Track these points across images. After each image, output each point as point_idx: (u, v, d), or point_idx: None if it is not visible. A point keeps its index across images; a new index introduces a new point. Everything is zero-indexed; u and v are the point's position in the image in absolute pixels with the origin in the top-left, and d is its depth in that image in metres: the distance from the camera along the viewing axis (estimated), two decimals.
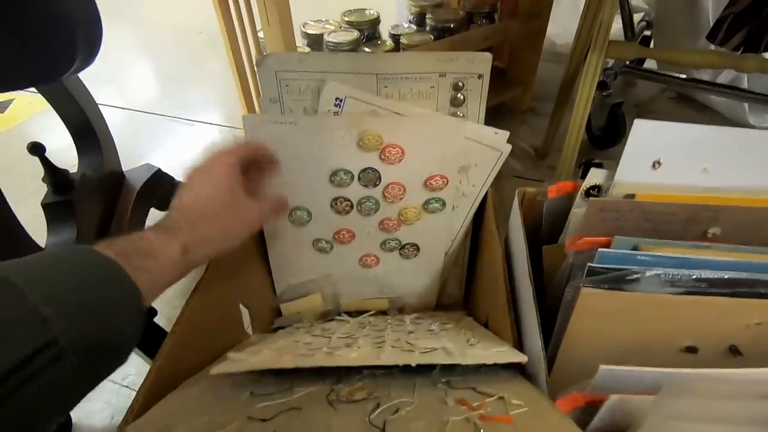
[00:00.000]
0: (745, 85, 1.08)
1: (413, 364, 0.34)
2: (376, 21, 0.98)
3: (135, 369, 0.69)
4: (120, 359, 0.27)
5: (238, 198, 0.39)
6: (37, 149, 0.54)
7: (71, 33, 0.37)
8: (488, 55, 0.50)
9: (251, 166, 0.43)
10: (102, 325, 0.24)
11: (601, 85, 1.04)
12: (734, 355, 0.34)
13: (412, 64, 0.51)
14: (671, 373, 0.25)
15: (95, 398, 0.66)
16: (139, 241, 0.31)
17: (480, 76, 0.51)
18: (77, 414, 0.64)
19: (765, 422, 0.25)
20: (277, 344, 0.43)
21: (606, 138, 1.09)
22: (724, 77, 1.11)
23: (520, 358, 0.34)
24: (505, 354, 0.35)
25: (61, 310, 0.22)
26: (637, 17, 1.28)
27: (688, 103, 1.28)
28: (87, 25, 0.38)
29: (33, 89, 0.70)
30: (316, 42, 0.95)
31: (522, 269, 0.42)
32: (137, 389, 0.34)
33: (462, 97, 0.52)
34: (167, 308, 0.73)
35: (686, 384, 0.25)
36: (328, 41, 0.91)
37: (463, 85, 0.52)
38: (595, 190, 0.45)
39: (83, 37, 0.38)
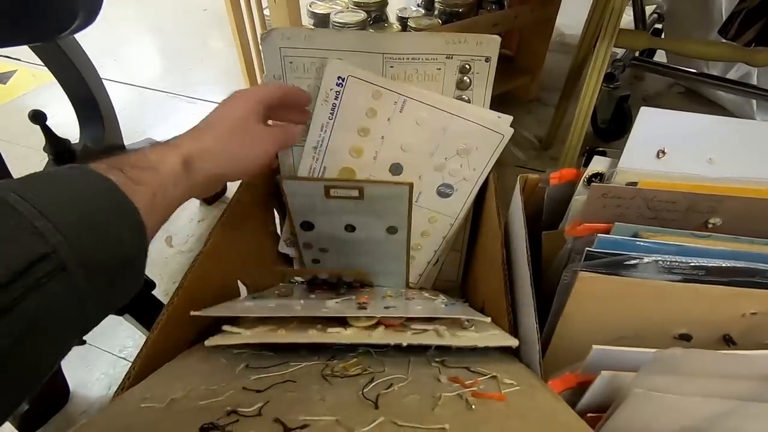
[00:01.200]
0: (754, 81, 1.07)
1: (404, 344, 0.34)
2: (383, 2, 0.97)
3: (132, 341, 0.69)
4: (129, 282, 0.26)
5: (248, 123, 0.38)
6: (38, 117, 0.54)
7: None
8: (497, 38, 0.49)
9: (279, 106, 0.43)
10: (99, 239, 0.23)
11: (609, 77, 1.03)
12: (728, 344, 0.34)
13: (419, 44, 0.50)
14: (661, 352, 0.25)
15: (92, 368, 0.67)
16: (134, 155, 0.29)
17: (488, 60, 0.51)
18: (74, 383, 0.65)
19: (752, 398, 0.25)
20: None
21: (611, 131, 1.09)
22: (734, 73, 1.10)
23: (512, 342, 0.34)
24: (497, 337, 0.35)
25: (56, 222, 0.21)
26: (648, 10, 1.26)
27: (696, 98, 1.27)
28: None
29: (38, 61, 0.70)
30: (322, 21, 0.94)
31: (521, 254, 0.42)
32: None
33: (468, 81, 0.52)
34: (166, 283, 0.73)
35: (673, 361, 0.25)
36: (335, 21, 0.90)
37: (470, 67, 0.51)
38: (598, 179, 0.45)
39: None
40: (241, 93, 0.39)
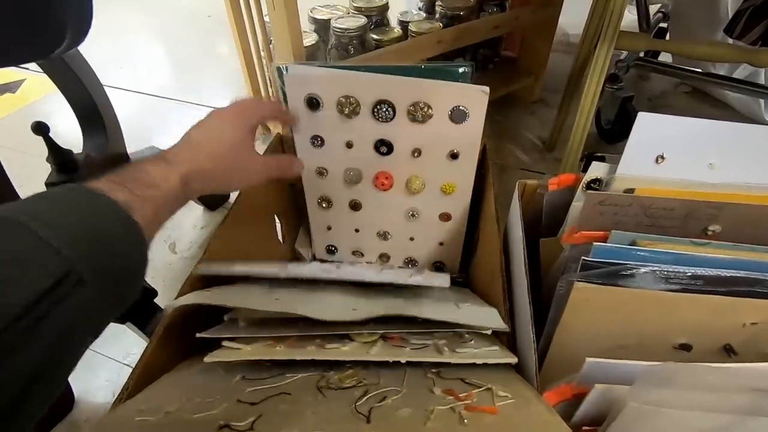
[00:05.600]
0: (761, 80, 1.05)
1: (403, 360, 0.34)
2: (384, 7, 0.97)
3: (137, 348, 0.70)
4: (131, 290, 0.28)
5: (246, 146, 0.41)
6: (41, 129, 0.55)
7: (60, 9, 0.36)
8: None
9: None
10: (107, 255, 0.25)
11: (613, 78, 1.02)
12: (728, 353, 0.34)
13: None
14: (657, 365, 0.25)
15: (97, 375, 0.67)
16: (138, 171, 0.32)
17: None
18: (79, 390, 0.65)
19: (749, 412, 0.25)
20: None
21: (615, 132, 1.07)
22: (741, 72, 1.08)
23: (510, 359, 0.34)
24: (497, 353, 0.35)
25: (71, 241, 0.23)
26: (653, 9, 1.25)
27: (703, 98, 1.25)
28: (76, 1, 0.38)
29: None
30: (323, 27, 0.94)
31: (519, 261, 0.41)
32: None
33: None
34: (168, 291, 0.74)
35: (668, 374, 0.25)
36: (335, 27, 0.90)
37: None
38: (596, 184, 0.44)
39: (72, 13, 0.38)
40: (236, 114, 0.41)
